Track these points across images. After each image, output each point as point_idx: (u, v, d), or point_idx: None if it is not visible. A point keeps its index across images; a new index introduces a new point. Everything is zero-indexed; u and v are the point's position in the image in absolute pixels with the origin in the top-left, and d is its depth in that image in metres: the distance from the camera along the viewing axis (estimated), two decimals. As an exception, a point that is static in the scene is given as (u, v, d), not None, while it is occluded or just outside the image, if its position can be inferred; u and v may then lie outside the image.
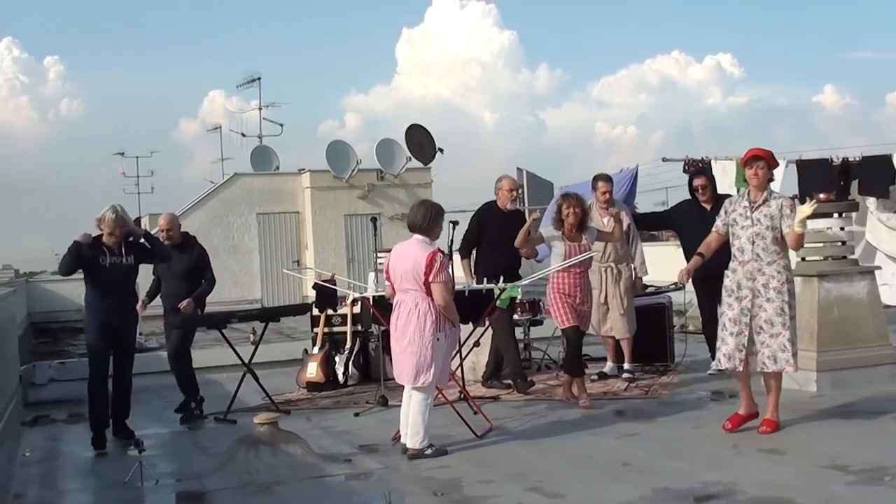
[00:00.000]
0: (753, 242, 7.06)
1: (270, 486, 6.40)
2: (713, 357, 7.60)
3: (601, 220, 9.54)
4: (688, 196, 9.99)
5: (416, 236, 7.08)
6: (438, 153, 24.93)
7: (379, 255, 11.13)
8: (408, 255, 7.02)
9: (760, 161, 7.16)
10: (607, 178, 9.94)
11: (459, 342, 7.95)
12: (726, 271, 7.27)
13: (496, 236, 9.27)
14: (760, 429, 7.12)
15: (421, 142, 24.76)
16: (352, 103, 78.83)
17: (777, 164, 7.46)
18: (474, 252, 9.58)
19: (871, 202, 11.96)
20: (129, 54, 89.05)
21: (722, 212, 7.42)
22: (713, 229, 7.48)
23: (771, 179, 7.29)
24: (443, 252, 7.09)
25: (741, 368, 7.07)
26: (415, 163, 24.75)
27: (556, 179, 13.62)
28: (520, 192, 9.69)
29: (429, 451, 6.90)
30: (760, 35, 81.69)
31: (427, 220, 7.07)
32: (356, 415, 8.73)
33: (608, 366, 10.05)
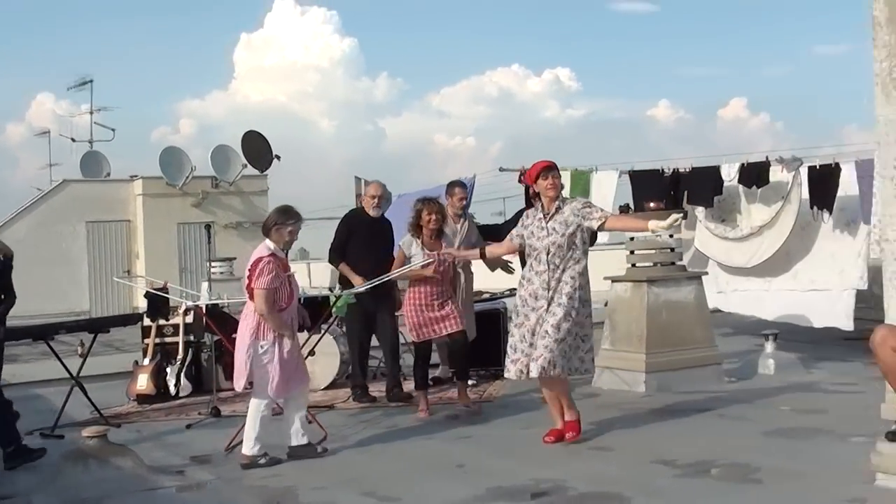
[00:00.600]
0: (549, 252, 6.94)
1: (99, 499, 6.18)
2: None
3: (454, 226, 9.65)
4: (524, 205, 10.17)
5: (265, 240, 7.03)
6: (275, 160, 24.60)
7: (212, 264, 10.93)
8: (250, 259, 6.98)
9: (555, 171, 7.12)
10: (463, 185, 10.23)
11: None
12: (521, 280, 7.17)
13: (364, 241, 9.25)
14: (567, 436, 7.02)
15: (257, 148, 24.39)
16: (187, 108, 76.85)
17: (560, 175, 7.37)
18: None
19: (699, 211, 12.36)
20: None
21: (519, 224, 7.35)
22: (508, 237, 7.46)
23: (561, 187, 7.21)
24: (278, 259, 6.99)
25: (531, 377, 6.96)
26: (251, 170, 24.34)
27: (395, 188, 13.58)
28: (381, 199, 9.64)
29: (262, 461, 6.80)
30: (599, 51, 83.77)
31: (271, 223, 7.00)
32: (188, 426, 8.52)
33: (441, 369, 10.13)
